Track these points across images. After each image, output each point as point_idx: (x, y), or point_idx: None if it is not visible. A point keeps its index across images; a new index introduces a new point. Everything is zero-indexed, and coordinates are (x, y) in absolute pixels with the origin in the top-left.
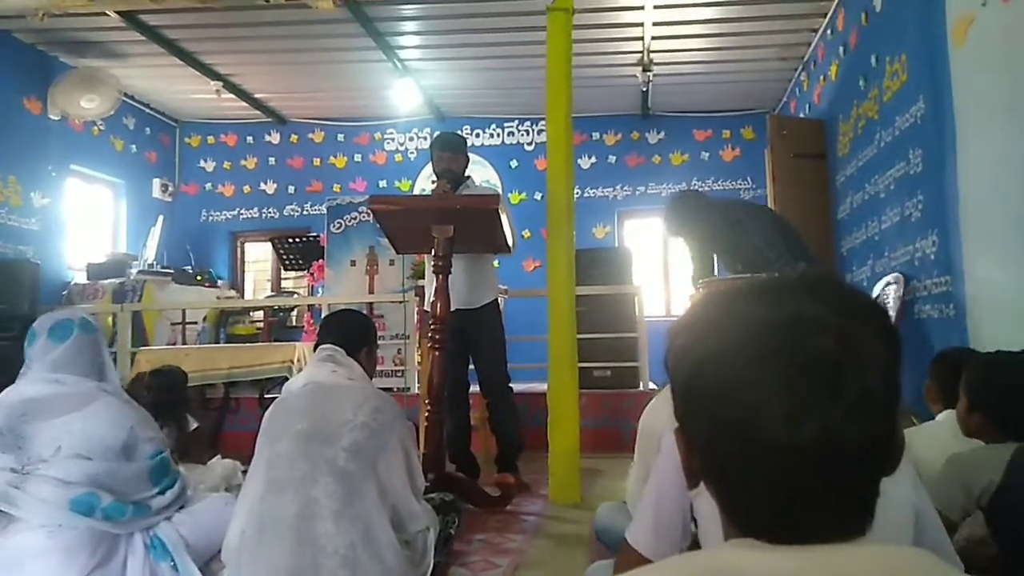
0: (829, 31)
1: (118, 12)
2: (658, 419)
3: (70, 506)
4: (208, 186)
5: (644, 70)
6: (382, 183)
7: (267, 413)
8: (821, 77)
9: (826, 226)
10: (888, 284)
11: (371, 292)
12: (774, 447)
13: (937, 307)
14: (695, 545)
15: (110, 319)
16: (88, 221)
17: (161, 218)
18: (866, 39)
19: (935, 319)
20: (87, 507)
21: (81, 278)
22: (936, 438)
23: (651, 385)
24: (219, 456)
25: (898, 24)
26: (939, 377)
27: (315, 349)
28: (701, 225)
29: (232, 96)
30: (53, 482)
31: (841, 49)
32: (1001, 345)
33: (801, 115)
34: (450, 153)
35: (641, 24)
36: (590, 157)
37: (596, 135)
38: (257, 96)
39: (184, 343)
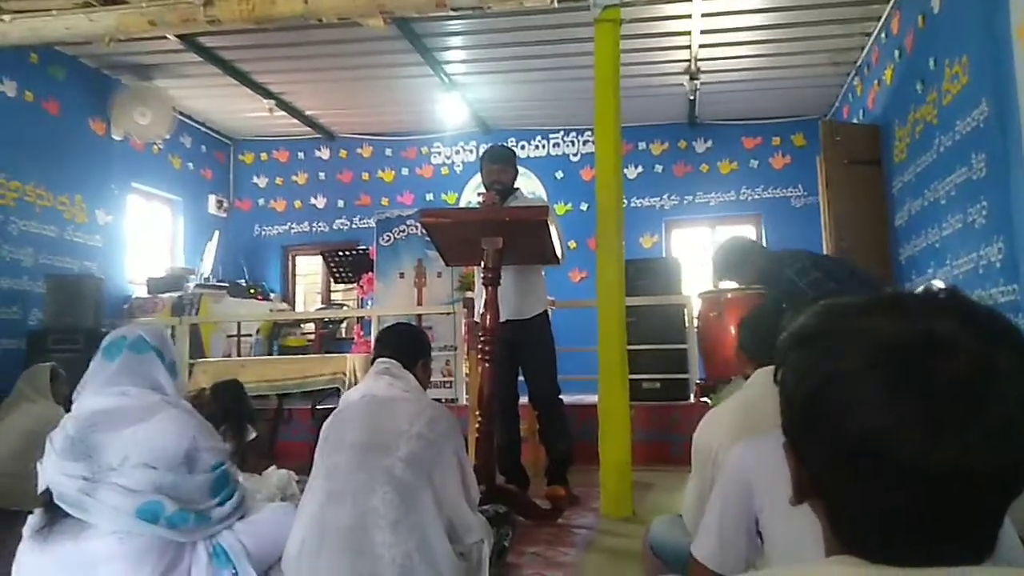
0: (883, 34)
1: (177, 35)
2: (714, 434)
3: (136, 513)
4: (261, 201)
5: (691, 78)
6: (429, 196)
7: (325, 424)
8: (875, 81)
9: (882, 234)
10: None
11: (420, 304)
12: (903, 471)
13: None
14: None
15: (169, 332)
16: (148, 237)
17: (216, 233)
18: (923, 42)
19: None
20: (152, 515)
21: (142, 292)
22: None
23: (703, 399)
24: (274, 466)
25: (958, 25)
26: None
27: (372, 362)
28: (747, 269)
29: (284, 113)
30: (121, 490)
31: (896, 52)
32: None
33: (855, 121)
34: (499, 165)
35: (688, 33)
36: (637, 167)
37: (643, 144)
38: (308, 113)
39: (239, 355)
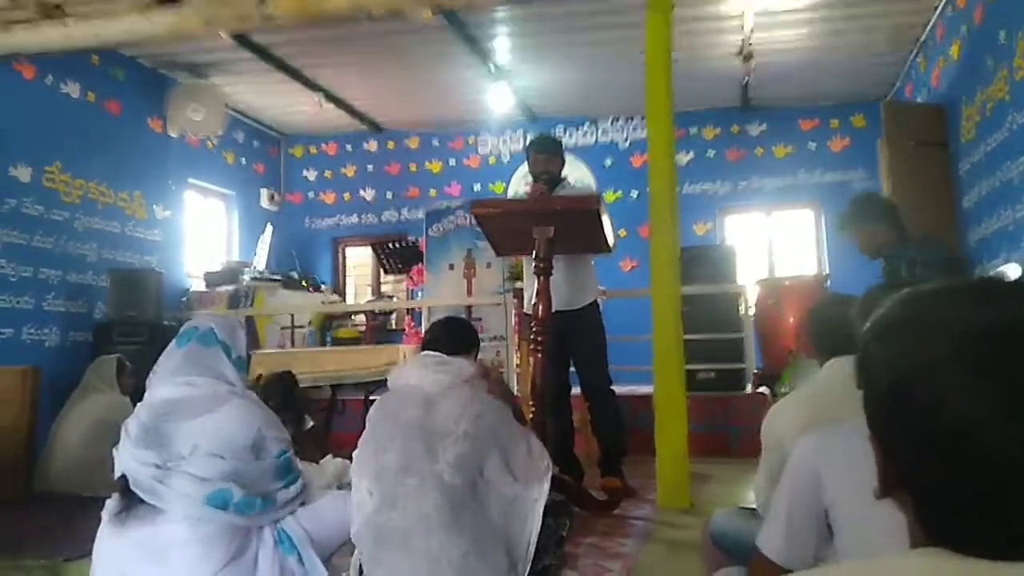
0: (949, 8)
1: (231, 34)
2: (783, 425)
3: (206, 500)
4: (311, 195)
5: (745, 60)
6: (476, 186)
7: (371, 415)
8: (940, 58)
9: (949, 216)
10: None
11: (469, 295)
12: (996, 461)
13: None
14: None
15: (242, 325)
16: (204, 231)
17: (269, 227)
18: (993, 15)
19: None
20: (222, 501)
21: (199, 285)
22: None
23: (760, 389)
24: (330, 456)
25: None
26: None
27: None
28: (867, 236)
29: (332, 107)
30: (191, 478)
31: (964, 27)
32: None
33: (918, 100)
34: (547, 155)
35: (741, 14)
36: (688, 153)
37: (694, 130)
38: (355, 106)
39: (292, 346)
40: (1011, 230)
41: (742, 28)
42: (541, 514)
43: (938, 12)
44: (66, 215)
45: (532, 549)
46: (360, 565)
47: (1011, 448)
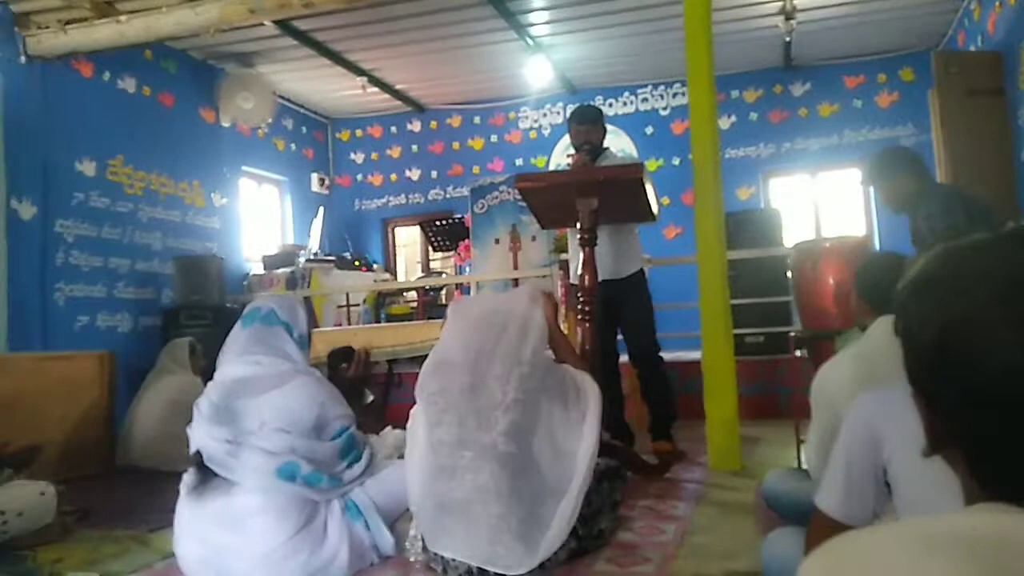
0: None
1: (274, 21)
2: (834, 385)
3: (276, 473)
4: (359, 177)
5: (787, 19)
6: (519, 161)
7: (423, 375)
8: (996, 3)
9: (1007, 169)
10: None
11: (515, 268)
12: None
13: None
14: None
15: (302, 305)
16: (260, 216)
17: (321, 210)
18: None
19: None
20: (290, 474)
21: (258, 269)
22: None
23: (797, 352)
24: (390, 427)
25: None
26: None
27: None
28: (890, 187)
29: (376, 89)
30: (261, 452)
31: None
32: None
33: (972, 48)
34: (588, 125)
35: None
36: (730, 116)
37: (735, 93)
38: (398, 87)
39: (349, 324)
40: None
41: None
42: (592, 465)
43: None
44: (130, 206)
45: (580, 503)
46: (422, 534)
47: None
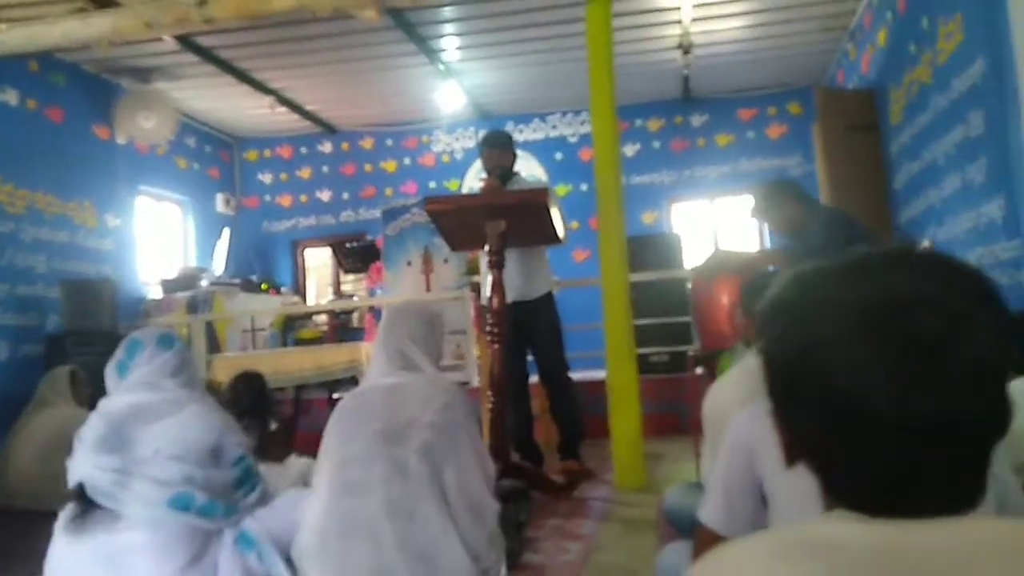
0: None
1: (175, 36)
2: (723, 401)
3: (169, 503)
4: (267, 198)
5: (684, 53)
6: (432, 184)
7: (336, 411)
8: (868, 45)
9: (881, 198)
10: None
11: (428, 290)
12: (886, 426)
13: (1007, 272)
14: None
15: (184, 329)
16: (160, 238)
17: (227, 231)
18: (915, 2)
19: (1004, 286)
20: (183, 504)
21: (156, 293)
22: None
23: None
24: (294, 455)
25: None
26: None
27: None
28: (778, 215)
29: (285, 109)
30: (153, 481)
31: (889, 14)
32: None
33: (849, 86)
34: (497, 150)
35: (679, 7)
36: (635, 144)
37: (639, 122)
38: (308, 108)
39: (254, 348)
40: (937, 208)
41: (680, 22)
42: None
43: (865, 1)
44: (11, 226)
45: (494, 549)
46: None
47: (897, 411)
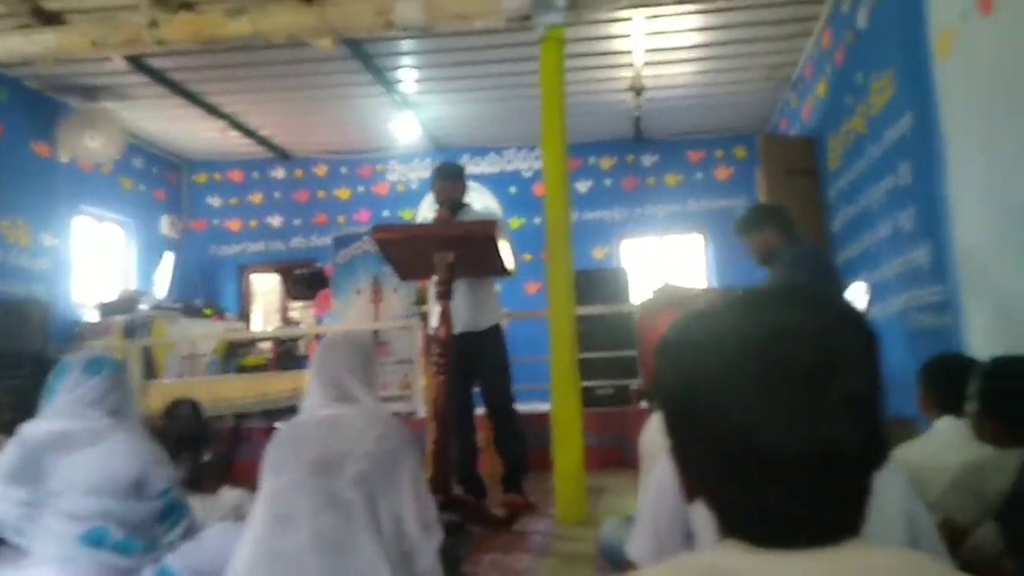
0: (816, 50)
1: (124, 56)
2: (656, 436)
3: (81, 539)
4: (215, 221)
5: (636, 95)
6: (385, 213)
7: (271, 443)
8: (809, 95)
9: (820, 238)
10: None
11: (377, 319)
12: (767, 458)
13: (932, 315)
14: None
15: (120, 355)
16: (99, 260)
17: (170, 254)
18: (852, 56)
19: (930, 328)
20: (97, 540)
21: (93, 316)
22: (936, 446)
23: (642, 404)
24: (227, 487)
25: (883, 40)
26: (934, 383)
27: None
28: (758, 238)
29: (237, 133)
30: (64, 516)
31: (828, 67)
32: (997, 351)
33: (792, 133)
34: (449, 181)
35: (631, 51)
36: (587, 180)
37: (592, 159)
38: (261, 133)
39: (193, 376)
40: (871, 252)
41: (632, 65)
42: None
43: (806, 53)
44: None
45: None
46: None
47: (779, 443)
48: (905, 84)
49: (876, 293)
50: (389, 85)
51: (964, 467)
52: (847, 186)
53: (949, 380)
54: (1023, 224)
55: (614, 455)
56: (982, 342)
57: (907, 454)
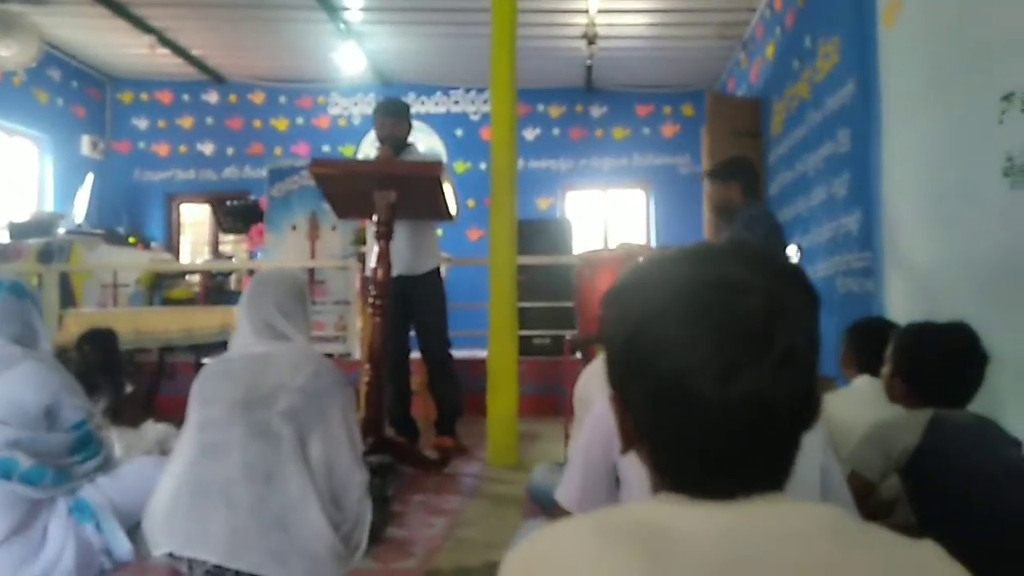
0: (768, 11)
1: None
2: (592, 386)
3: None
4: (142, 145)
5: (589, 43)
6: (325, 148)
7: (199, 377)
8: (759, 57)
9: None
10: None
11: (313, 257)
12: (705, 404)
13: (858, 281)
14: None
15: (35, 279)
16: (9, 177)
17: (91, 176)
18: (802, 20)
19: (855, 292)
20: (4, 471)
21: (3, 237)
22: (853, 403)
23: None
24: (151, 420)
25: (832, 6)
26: (856, 345)
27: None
28: (724, 189)
29: (167, 51)
30: None
31: (778, 29)
32: (913, 317)
33: (739, 93)
34: (392, 119)
35: None
36: (535, 128)
37: (541, 107)
38: (194, 52)
39: (115, 305)
40: (804, 217)
41: (587, 12)
42: (366, 490)
43: (758, 14)
44: None
45: (358, 521)
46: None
47: (716, 391)
48: (850, 51)
49: (807, 257)
50: (333, 12)
51: (875, 424)
52: (787, 151)
53: (869, 342)
54: (947, 197)
55: (548, 403)
56: (901, 308)
57: (826, 407)
